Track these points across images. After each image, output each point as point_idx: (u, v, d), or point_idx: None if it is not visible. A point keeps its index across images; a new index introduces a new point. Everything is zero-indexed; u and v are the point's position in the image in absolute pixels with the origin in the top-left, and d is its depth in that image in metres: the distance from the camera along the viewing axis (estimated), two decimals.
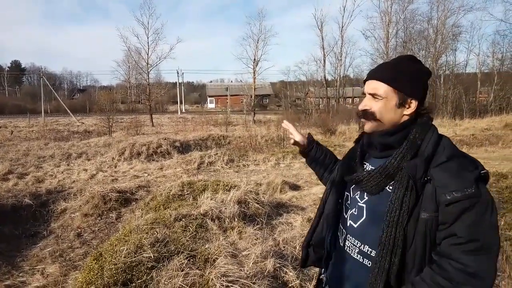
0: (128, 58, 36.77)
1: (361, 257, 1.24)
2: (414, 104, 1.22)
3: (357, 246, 1.25)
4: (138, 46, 31.58)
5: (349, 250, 1.28)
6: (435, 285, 1.06)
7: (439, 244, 1.09)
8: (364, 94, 1.30)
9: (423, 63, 1.28)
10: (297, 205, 5.81)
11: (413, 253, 1.11)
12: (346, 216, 1.33)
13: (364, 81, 1.30)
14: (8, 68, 79.72)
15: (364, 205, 1.25)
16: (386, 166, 1.18)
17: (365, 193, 1.25)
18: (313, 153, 1.71)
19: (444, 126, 19.23)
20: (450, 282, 1.04)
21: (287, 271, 2.94)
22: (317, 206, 1.58)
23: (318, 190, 6.57)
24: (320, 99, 38.66)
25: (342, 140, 15.94)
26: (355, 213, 1.28)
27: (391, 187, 1.17)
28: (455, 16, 29.70)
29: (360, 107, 1.27)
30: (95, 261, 3.09)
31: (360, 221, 1.26)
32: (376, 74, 1.25)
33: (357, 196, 1.29)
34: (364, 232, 1.24)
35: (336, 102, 36.31)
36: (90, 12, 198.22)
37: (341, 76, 36.54)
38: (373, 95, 1.23)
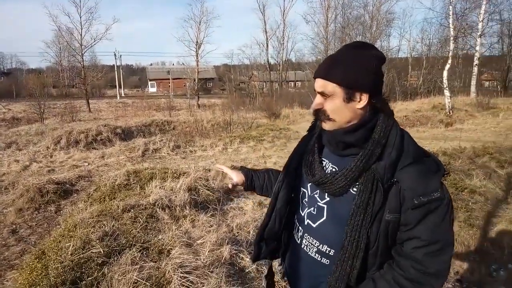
0: (58, 39, 34.26)
1: (319, 256, 1.22)
2: (365, 96, 1.13)
3: (315, 245, 1.23)
4: (70, 26, 29.44)
5: (306, 249, 1.26)
6: (396, 284, 1.09)
7: (401, 243, 1.11)
8: (315, 90, 1.22)
9: (377, 48, 1.20)
10: None
11: (374, 253, 1.12)
12: (303, 214, 1.29)
13: (314, 78, 1.23)
14: None
15: (324, 206, 1.21)
16: (352, 169, 1.12)
17: (326, 194, 1.21)
18: (256, 181, 1.63)
19: None
20: (411, 283, 1.07)
21: (243, 257, 2.96)
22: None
23: None
24: (264, 83, 38.96)
25: (287, 123, 16.25)
26: (314, 213, 1.24)
27: (355, 189, 1.12)
28: (389, 3, 31.26)
29: (313, 107, 1.20)
30: (37, 260, 2.88)
31: (320, 221, 1.23)
32: (319, 71, 1.18)
33: (316, 195, 1.25)
34: (324, 233, 1.21)
35: (280, 85, 36.84)
36: None
37: (284, 60, 37.04)
38: (322, 94, 1.17)
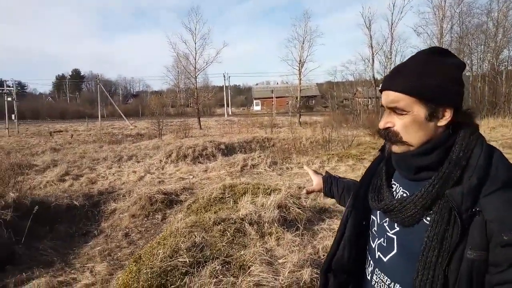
0: (177, 64, 38.16)
1: None
2: (449, 112, 0.97)
3: (386, 283, 1.05)
4: (186, 52, 32.60)
5: (377, 286, 1.09)
6: None
7: None
8: (383, 106, 1.05)
9: (455, 55, 1.01)
10: (341, 210, 5.58)
11: None
12: (373, 246, 1.13)
13: (380, 91, 1.05)
14: (69, 76, 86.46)
15: (394, 237, 1.04)
16: (423, 195, 0.95)
17: (396, 223, 1.04)
18: (334, 189, 1.56)
19: (506, 126, 17.80)
20: None
21: None
22: None
23: None
24: (369, 99, 37.42)
25: None
26: (384, 245, 1.08)
27: (428, 218, 0.95)
28: None
29: (381, 125, 1.03)
30: (134, 263, 3.16)
31: (391, 255, 1.05)
32: (391, 82, 1.00)
33: (385, 224, 1.08)
34: (395, 269, 1.03)
35: None
36: (143, 21, 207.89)
37: None
38: (393, 110, 1.00)
